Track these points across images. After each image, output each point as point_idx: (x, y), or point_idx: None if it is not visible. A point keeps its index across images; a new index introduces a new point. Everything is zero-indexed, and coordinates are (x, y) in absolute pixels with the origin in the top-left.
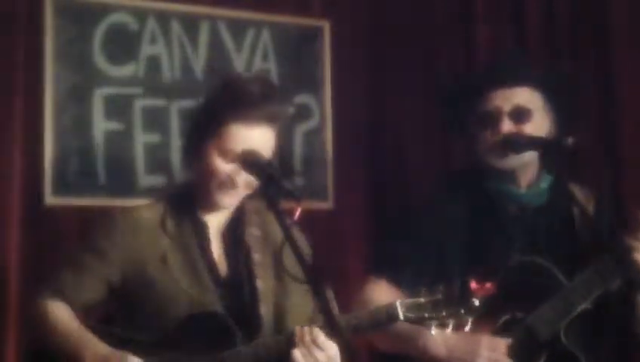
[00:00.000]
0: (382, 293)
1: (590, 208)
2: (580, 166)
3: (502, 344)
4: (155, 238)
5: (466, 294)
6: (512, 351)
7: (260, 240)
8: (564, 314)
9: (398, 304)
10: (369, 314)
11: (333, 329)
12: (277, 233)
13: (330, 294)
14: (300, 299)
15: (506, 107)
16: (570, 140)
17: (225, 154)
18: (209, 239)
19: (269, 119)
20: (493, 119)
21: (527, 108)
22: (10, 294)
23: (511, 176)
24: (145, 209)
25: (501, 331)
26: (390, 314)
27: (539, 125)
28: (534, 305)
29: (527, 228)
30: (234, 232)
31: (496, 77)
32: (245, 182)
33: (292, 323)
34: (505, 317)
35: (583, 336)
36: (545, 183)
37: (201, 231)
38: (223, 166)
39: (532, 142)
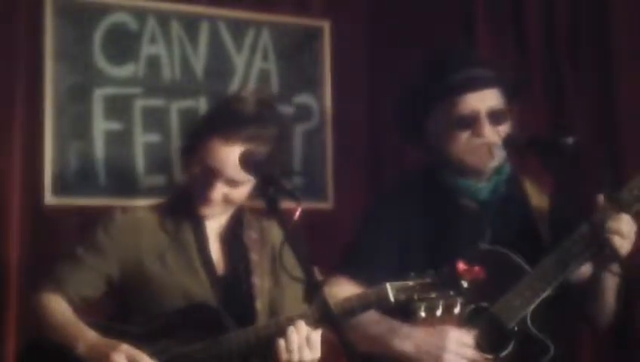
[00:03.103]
0: (342, 289)
1: (543, 203)
2: (580, 166)
3: (469, 336)
4: (154, 236)
5: (454, 276)
6: (480, 341)
7: (258, 242)
8: (529, 300)
9: (388, 286)
10: (360, 297)
11: (333, 326)
12: (273, 237)
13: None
14: (294, 302)
15: (483, 109)
16: (570, 140)
17: (202, 168)
18: (207, 238)
19: (249, 140)
20: (470, 122)
21: (501, 110)
22: (10, 294)
23: (476, 172)
24: (144, 209)
25: (467, 321)
26: (381, 296)
27: (509, 125)
28: (499, 294)
29: (488, 221)
30: (232, 234)
31: (472, 81)
32: (223, 195)
33: None
34: (470, 307)
35: (551, 322)
36: (503, 175)
37: (199, 230)
38: (200, 179)
39: (532, 143)
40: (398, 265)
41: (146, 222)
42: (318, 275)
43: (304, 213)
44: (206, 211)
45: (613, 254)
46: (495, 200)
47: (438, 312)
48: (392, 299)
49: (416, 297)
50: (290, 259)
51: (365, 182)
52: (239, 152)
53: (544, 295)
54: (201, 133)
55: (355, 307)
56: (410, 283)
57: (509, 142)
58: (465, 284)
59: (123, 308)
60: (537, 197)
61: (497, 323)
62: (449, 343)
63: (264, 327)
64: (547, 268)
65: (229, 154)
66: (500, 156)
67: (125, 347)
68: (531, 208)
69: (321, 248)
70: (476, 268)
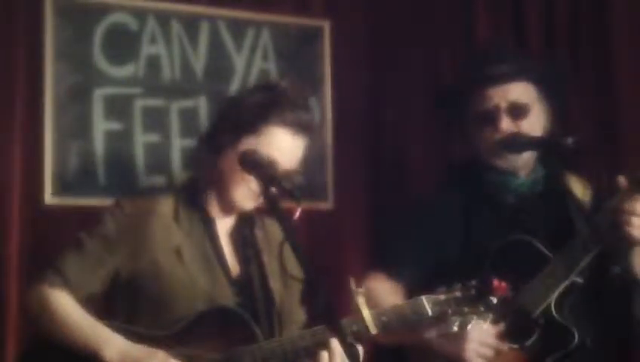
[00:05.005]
0: (381, 286)
1: (586, 197)
2: (579, 165)
3: (491, 327)
4: (169, 231)
5: (486, 292)
6: (505, 330)
7: (265, 242)
8: (552, 288)
9: (424, 299)
10: (395, 310)
11: (334, 329)
12: (276, 235)
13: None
14: (297, 303)
15: (503, 104)
16: (570, 140)
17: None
18: (219, 237)
19: (307, 128)
20: (491, 117)
21: (523, 104)
22: (10, 294)
23: (511, 169)
24: (156, 201)
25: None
26: (418, 310)
27: (536, 119)
28: (524, 283)
29: (526, 217)
30: (242, 233)
31: (491, 76)
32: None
33: (291, 325)
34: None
35: (579, 311)
36: (541, 172)
37: (211, 229)
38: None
39: (532, 143)
40: (435, 263)
41: (158, 214)
42: (352, 285)
43: (304, 212)
44: (248, 204)
45: (633, 236)
46: (533, 197)
47: (469, 327)
48: (430, 312)
49: (450, 311)
50: (290, 259)
51: (365, 182)
52: (299, 140)
53: (567, 282)
54: (248, 122)
55: (391, 322)
56: (443, 296)
57: (509, 143)
58: (494, 301)
59: (127, 307)
60: (582, 193)
61: (521, 312)
62: (472, 332)
63: (299, 338)
64: (568, 255)
65: (290, 142)
66: (512, 154)
67: (161, 355)
68: (572, 203)
69: (321, 248)
70: (504, 285)
